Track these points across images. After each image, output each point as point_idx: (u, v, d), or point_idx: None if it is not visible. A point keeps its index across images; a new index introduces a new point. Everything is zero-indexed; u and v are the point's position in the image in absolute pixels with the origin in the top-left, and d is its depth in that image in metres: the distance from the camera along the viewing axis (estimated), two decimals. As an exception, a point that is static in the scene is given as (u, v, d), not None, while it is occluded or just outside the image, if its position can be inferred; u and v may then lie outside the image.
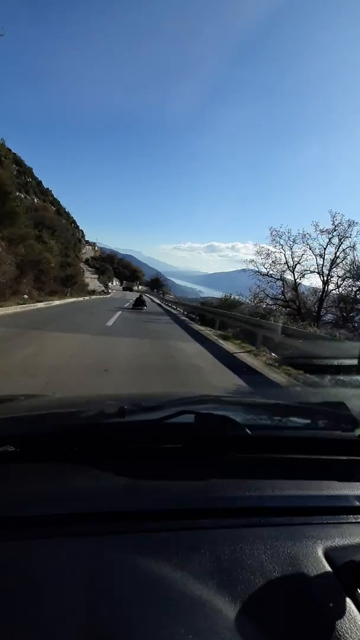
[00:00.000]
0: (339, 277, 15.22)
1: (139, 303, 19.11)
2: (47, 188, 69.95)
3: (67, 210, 77.80)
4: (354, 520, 0.64)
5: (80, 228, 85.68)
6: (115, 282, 66.25)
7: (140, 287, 76.26)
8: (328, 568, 0.52)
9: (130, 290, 57.71)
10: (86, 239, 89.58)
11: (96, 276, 51.97)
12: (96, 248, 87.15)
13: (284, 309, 15.74)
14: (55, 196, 71.11)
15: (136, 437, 0.78)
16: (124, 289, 59.28)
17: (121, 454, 0.76)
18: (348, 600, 0.47)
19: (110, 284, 55.50)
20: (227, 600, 0.45)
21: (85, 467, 0.70)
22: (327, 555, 0.54)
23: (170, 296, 46.43)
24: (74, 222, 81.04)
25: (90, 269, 56.84)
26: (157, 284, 75.74)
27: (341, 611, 0.45)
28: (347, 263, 15.08)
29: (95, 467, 0.69)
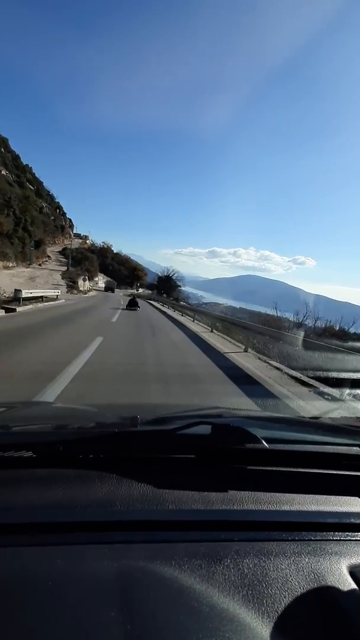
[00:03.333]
0: None
1: (133, 304, 18.84)
2: (26, 164, 54.58)
3: (51, 194, 62.35)
4: None
5: (67, 216, 70.55)
6: (102, 283, 47.55)
7: (141, 290, 58.23)
8: (354, 586, 0.51)
9: (112, 291, 41.09)
10: (76, 231, 74.30)
11: (64, 268, 33.55)
12: (88, 241, 69.76)
13: None
14: (36, 175, 55.65)
15: (151, 446, 0.78)
16: (106, 290, 42.04)
17: (137, 462, 0.76)
18: None
19: (89, 282, 36.88)
20: (254, 615, 0.44)
21: (101, 474, 0.69)
22: (352, 572, 0.53)
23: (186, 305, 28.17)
24: (59, 207, 65.87)
25: (64, 259, 38.85)
26: (167, 284, 54.48)
27: None
28: None
29: (111, 475, 0.69)
